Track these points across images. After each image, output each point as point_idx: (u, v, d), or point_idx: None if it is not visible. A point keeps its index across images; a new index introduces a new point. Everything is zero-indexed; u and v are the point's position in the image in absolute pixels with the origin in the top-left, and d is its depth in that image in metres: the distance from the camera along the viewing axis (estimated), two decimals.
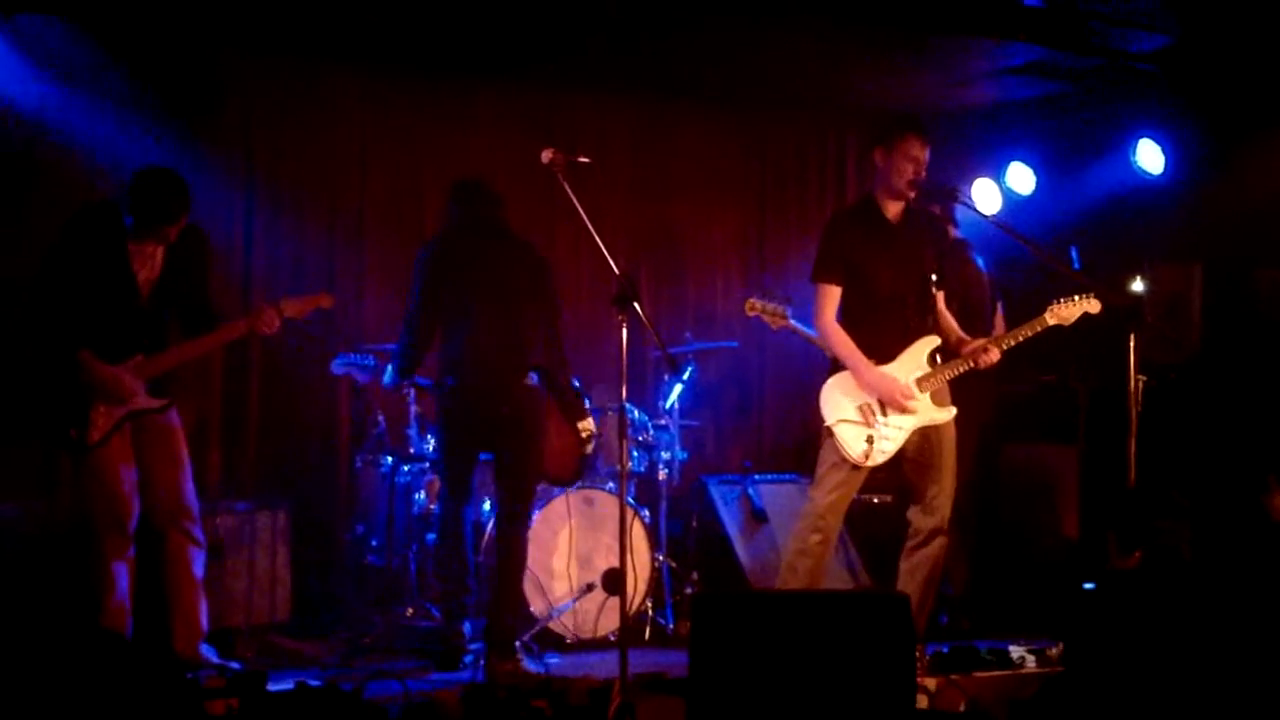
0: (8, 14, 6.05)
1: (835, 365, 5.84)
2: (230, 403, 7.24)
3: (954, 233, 6.81)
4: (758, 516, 7.33)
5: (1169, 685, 4.15)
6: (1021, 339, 5.98)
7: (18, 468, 6.48)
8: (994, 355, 5.83)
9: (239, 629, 6.50)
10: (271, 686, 5.23)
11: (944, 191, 6.69)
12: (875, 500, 7.21)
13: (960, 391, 6.00)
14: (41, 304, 5.65)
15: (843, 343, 5.76)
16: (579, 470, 6.42)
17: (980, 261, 6.97)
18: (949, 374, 5.83)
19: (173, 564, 5.79)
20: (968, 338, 5.95)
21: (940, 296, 5.95)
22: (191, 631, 5.81)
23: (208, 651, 5.82)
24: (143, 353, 5.70)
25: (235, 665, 5.80)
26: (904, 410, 5.74)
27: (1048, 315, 5.93)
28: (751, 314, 6.28)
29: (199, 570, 5.87)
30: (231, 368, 7.26)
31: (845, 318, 5.81)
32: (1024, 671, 5.68)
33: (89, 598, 5.68)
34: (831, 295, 5.79)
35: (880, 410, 5.75)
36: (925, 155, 5.76)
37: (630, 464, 6.85)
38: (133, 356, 5.68)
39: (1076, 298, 5.92)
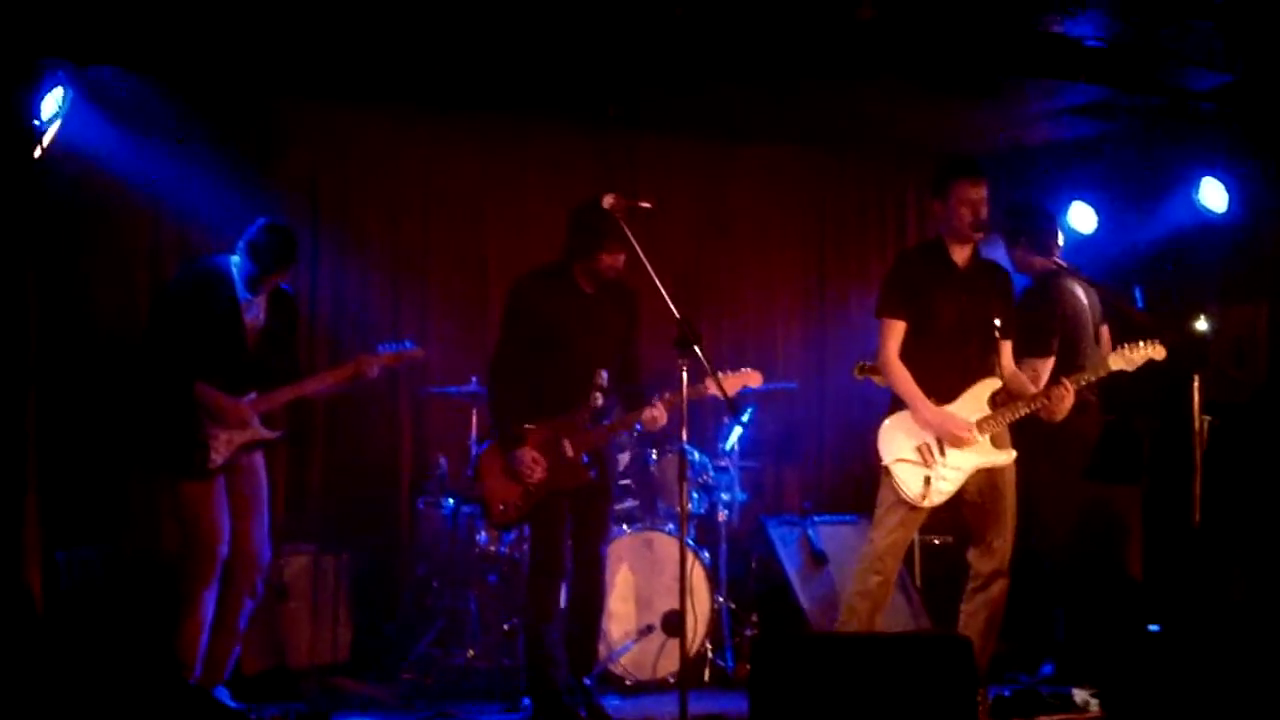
0: (82, 64, 6.19)
1: (894, 404, 5.83)
2: (294, 445, 7.30)
3: (1057, 259, 6.60)
4: (817, 558, 7.30)
5: None
6: (1086, 383, 5.95)
7: (90, 510, 6.58)
8: (1067, 400, 5.79)
9: (302, 670, 6.56)
10: None
11: (1008, 231, 6.66)
12: (936, 541, 7.19)
13: (1061, 433, 5.97)
14: (158, 348, 5.83)
15: (904, 380, 5.75)
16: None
17: (1079, 291, 6.69)
18: (1010, 417, 5.80)
19: (225, 609, 5.89)
20: (1031, 388, 5.90)
21: (1006, 346, 5.92)
22: (214, 674, 5.90)
23: (221, 694, 5.89)
24: (256, 389, 5.88)
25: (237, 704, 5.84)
26: (963, 449, 5.72)
27: (1111, 360, 5.91)
28: (861, 377, 6.31)
29: (244, 621, 5.98)
30: (295, 411, 7.33)
31: (906, 356, 5.79)
32: (1087, 716, 5.62)
33: (168, 621, 5.79)
34: (895, 331, 5.79)
35: (938, 450, 5.73)
36: (981, 194, 5.74)
37: (690, 506, 6.85)
38: (247, 394, 5.86)
39: (1141, 343, 5.89)
